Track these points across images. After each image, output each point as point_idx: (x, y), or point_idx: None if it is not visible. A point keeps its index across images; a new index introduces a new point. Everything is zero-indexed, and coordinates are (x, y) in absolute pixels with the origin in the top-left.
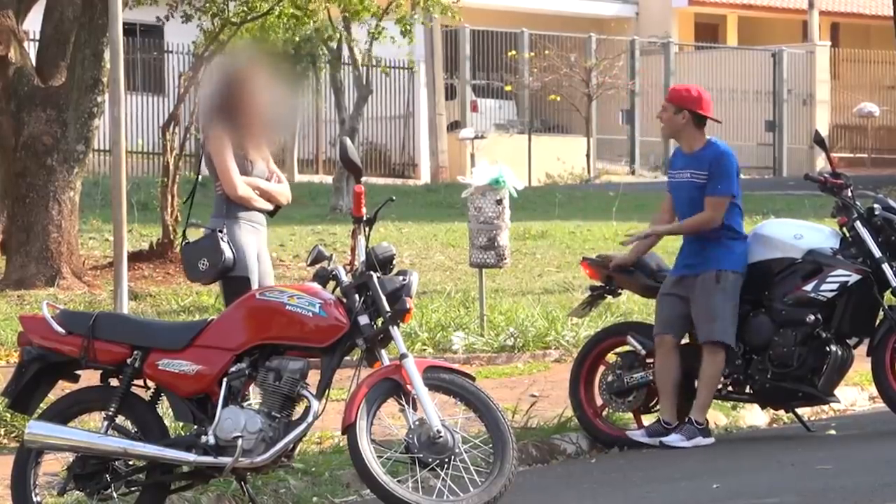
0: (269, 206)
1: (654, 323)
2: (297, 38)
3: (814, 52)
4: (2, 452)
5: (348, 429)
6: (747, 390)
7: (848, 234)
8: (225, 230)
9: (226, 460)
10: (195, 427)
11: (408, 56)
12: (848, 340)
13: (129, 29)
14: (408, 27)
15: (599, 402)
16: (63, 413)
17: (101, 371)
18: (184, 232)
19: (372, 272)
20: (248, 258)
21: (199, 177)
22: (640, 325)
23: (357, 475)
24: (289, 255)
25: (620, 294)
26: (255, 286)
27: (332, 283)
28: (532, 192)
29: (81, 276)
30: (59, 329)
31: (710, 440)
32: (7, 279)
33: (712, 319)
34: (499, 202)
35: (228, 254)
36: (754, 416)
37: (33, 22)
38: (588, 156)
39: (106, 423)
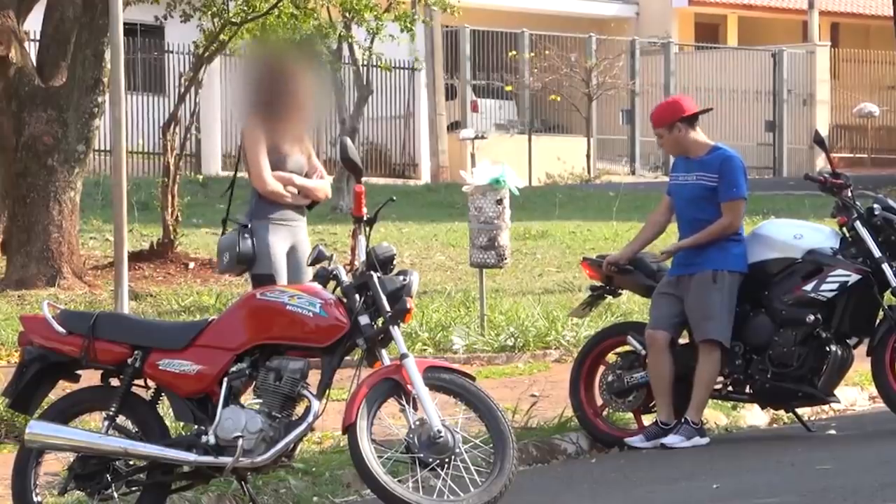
0: (304, 201)
1: (648, 320)
2: (297, 38)
3: (814, 52)
4: (2, 452)
5: (349, 429)
6: (747, 390)
7: (848, 234)
8: (250, 226)
9: (226, 460)
10: (196, 427)
11: (412, 54)
12: (848, 340)
13: (130, 29)
14: (408, 24)
15: (599, 402)
16: (63, 413)
17: (101, 371)
18: (223, 222)
19: (372, 272)
20: (272, 256)
21: (237, 171)
22: (640, 325)
23: (357, 475)
24: None
25: (620, 294)
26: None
27: (332, 283)
28: (532, 192)
29: (82, 276)
30: (60, 329)
31: (706, 440)
32: (8, 279)
33: (708, 318)
34: (499, 202)
35: (245, 249)
36: (754, 416)
37: (34, 22)
38: (588, 156)
39: (106, 422)
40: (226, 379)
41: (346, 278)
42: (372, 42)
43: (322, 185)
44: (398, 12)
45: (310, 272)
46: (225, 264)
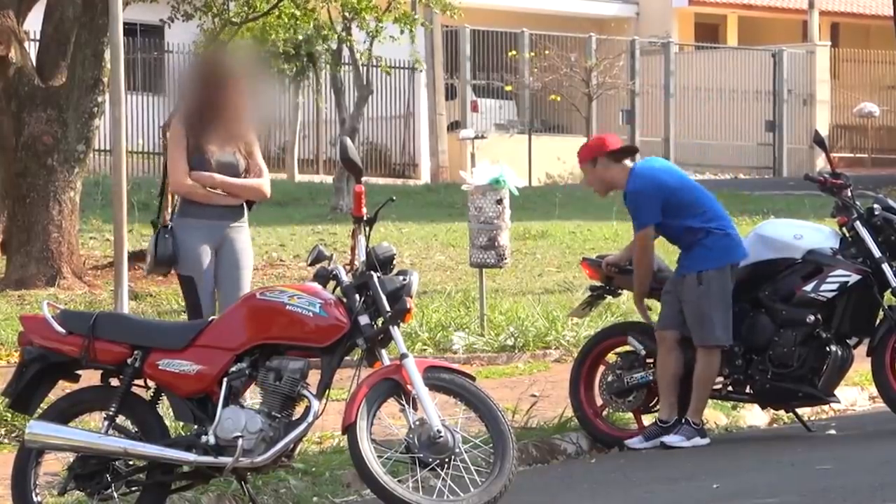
0: (231, 201)
1: (657, 320)
2: (298, 38)
3: (814, 52)
4: (2, 452)
5: (348, 429)
6: (747, 390)
7: (848, 234)
8: (170, 227)
9: (226, 460)
10: (195, 427)
11: (412, 55)
12: (848, 340)
13: (130, 29)
14: (409, 26)
15: (599, 402)
16: (63, 413)
17: (101, 371)
18: (153, 223)
19: (372, 272)
20: (193, 258)
21: (167, 172)
22: (640, 325)
23: (357, 475)
24: (289, 255)
25: (620, 294)
26: (205, 285)
27: (332, 283)
28: (532, 192)
29: (82, 276)
30: (60, 329)
31: (707, 440)
32: (7, 279)
33: (701, 323)
34: (499, 202)
35: (163, 250)
36: (754, 416)
37: (34, 22)
38: None
39: (106, 422)
40: (226, 379)
41: (346, 278)
42: (371, 45)
43: (255, 183)
44: (398, 13)
45: (248, 280)
46: (147, 265)
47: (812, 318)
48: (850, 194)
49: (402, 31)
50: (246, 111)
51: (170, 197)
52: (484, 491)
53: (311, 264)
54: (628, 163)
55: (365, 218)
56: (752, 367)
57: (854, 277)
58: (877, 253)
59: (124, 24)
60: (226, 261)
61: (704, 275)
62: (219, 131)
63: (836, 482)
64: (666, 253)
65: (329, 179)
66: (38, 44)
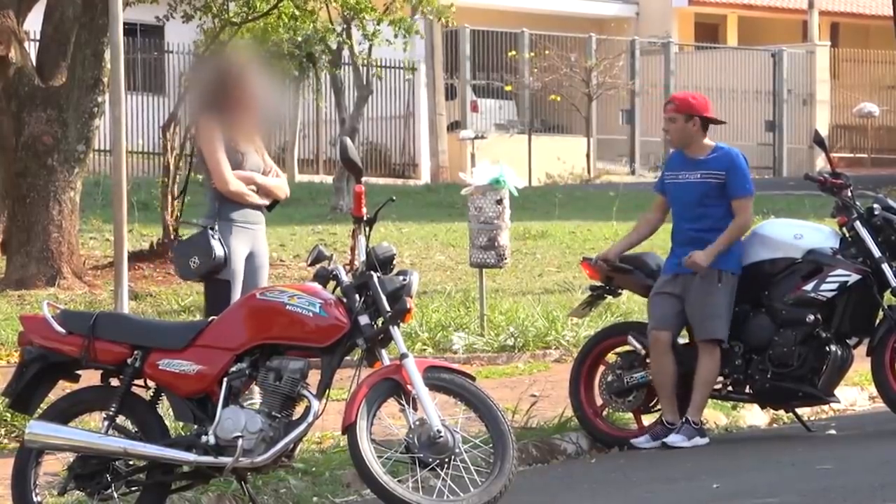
0: (265, 201)
1: (648, 321)
2: (298, 38)
3: (814, 52)
4: (2, 453)
5: (348, 429)
6: (747, 390)
7: (848, 234)
8: (216, 228)
9: (226, 460)
10: (195, 427)
11: (406, 60)
12: (848, 340)
13: (130, 29)
14: (406, 30)
15: (599, 401)
16: (63, 413)
17: (101, 371)
18: (175, 229)
19: (372, 272)
20: (233, 262)
21: (189, 174)
22: (640, 325)
23: (357, 475)
24: (289, 255)
25: (620, 294)
26: (236, 291)
27: (332, 283)
28: (532, 192)
29: (82, 276)
30: (60, 329)
31: (706, 440)
32: (7, 279)
33: (712, 317)
34: (499, 202)
35: (220, 252)
36: (754, 416)
37: (34, 22)
38: (588, 156)
39: (106, 422)
40: (226, 379)
41: (346, 278)
42: (370, 52)
43: (280, 183)
44: (395, 16)
45: (266, 282)
46: (193, 269)
47: (812, 317)
48: (850, 194)
49: (396, 36)
50: (274, 110)
51: (170, 197)
52: (484, 491)
53: (311, 264)
54: (707, 137)
55: (365, 218)
56: (752, 367)
57: (854, 277)
58: (877, 253)
59: (124, 24)
60: (253, 263)
61: (724, 274)
62: (250, 131)
63: (836, 482)
64: (664, 253)
65: (329, 179)
66: (38, 44)
